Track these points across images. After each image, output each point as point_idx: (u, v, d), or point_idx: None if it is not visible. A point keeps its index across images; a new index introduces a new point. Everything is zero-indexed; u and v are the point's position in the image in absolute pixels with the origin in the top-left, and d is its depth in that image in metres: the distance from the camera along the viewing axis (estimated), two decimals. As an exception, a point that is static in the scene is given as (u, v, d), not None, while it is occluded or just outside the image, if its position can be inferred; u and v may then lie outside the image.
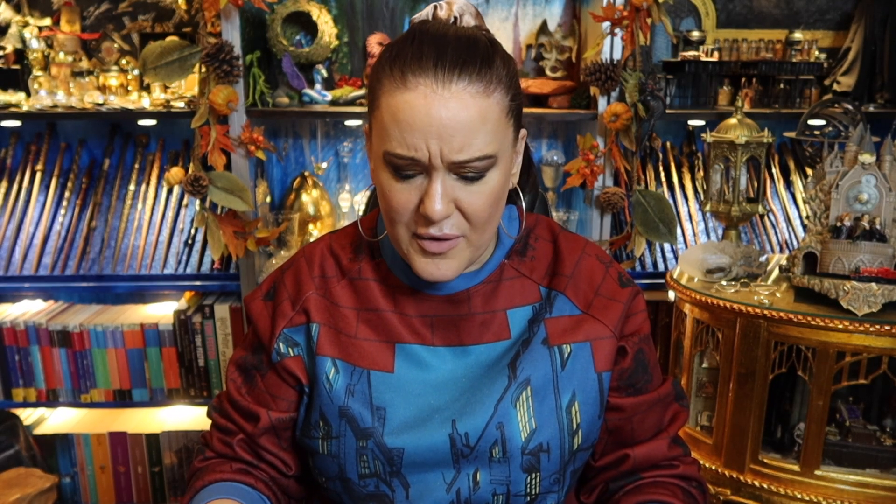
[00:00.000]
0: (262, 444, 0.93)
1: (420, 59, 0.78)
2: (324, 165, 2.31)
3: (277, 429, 0.93)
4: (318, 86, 2.16)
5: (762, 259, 1.81)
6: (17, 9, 2.25)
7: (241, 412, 0.93)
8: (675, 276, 1.83)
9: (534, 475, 0.87)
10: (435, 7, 0.86)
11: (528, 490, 0.88)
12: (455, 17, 0.85)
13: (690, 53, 2.23)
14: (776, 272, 1.84)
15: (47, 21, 2.24)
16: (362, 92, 2.16)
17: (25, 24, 2.22)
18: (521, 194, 0.97)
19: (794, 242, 2.24)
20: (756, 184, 2.11)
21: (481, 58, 0.79)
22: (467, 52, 0.79)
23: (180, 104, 2.10)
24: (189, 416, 2.33)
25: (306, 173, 2.27)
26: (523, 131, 0.89)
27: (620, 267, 0.98)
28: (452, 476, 0.87)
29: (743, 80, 2.28)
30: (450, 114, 0.77)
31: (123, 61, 2.24)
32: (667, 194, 2.27)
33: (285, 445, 0.94)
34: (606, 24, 1.96)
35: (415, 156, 0.78)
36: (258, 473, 0.94)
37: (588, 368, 0.90)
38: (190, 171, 1.94)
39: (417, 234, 0.83)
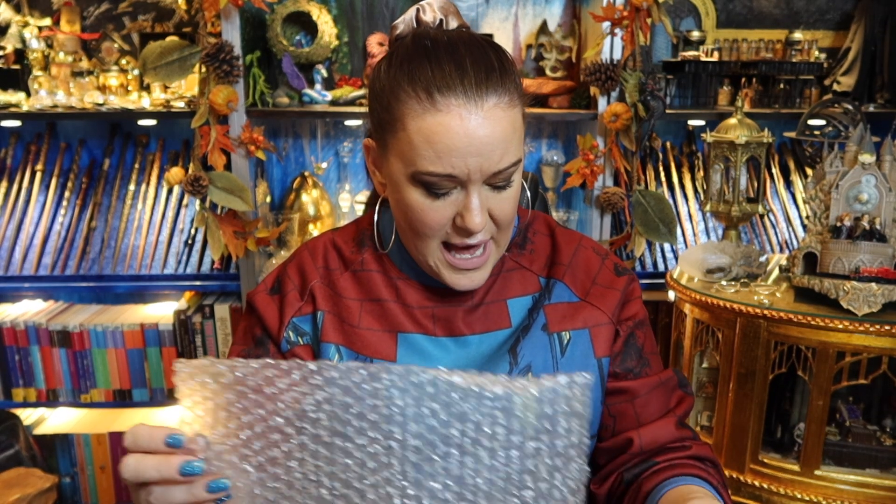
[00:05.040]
0: None
1: (444, 76, 0.78)
2: (324, 165, 2.31)
3: None
4: (318, 86, 2.16)
5: (762, 259, 1.81)
6: (17, 9, 2.25)
7: None
8: (675, 276, 1.83)
9: None
10: (418, 10, 0.86)
11: None
12: (441, 19, 0.86)
13: (690, 53, 2.23)
14: (776, 272, 1.84)
15: (47, 21, 2.25)
16: (362, 92, 2.16)
17: (25, 24, 2.22)
18: (526, 187, 0.99)
19: (794, 242, 2.24)
20: (756, 184, 2.11)
21: (498, 68, 0.81)
22: (486, 64, 0.80)
23: (180, 104, 2.10)
24: (189, 416, 2.33)
25: (306, 173, 2.27)
26: None
27: (616, 258, 0.99)
28: None
29: (743, 80, 2.28)
30: (487, 132, 0.78)
31: (123, 61, 2.24)
32: (667, 194, 2.27)
33: None
34: (606, 24, 1.96)
35: (452, 172, 0.79)
36: None
37: (588, 354, 0.92)
38: (190, 171, 1.94)
39: (449, 245, 0.85)
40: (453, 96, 0.78)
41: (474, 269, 0.87)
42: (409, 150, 0.80)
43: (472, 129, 0.78)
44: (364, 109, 2.09)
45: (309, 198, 2.23)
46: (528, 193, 1.07)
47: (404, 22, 0.87)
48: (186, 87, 2.20)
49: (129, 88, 2.22)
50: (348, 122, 2.28)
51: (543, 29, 2.21)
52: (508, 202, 0.84)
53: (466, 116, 0.78)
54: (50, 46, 2.20)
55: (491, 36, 2.22)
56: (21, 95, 2.13)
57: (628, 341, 0.95)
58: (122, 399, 2.20)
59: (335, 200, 2.29)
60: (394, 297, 0.93)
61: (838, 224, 1.58)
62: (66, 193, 2.23)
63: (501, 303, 0.93)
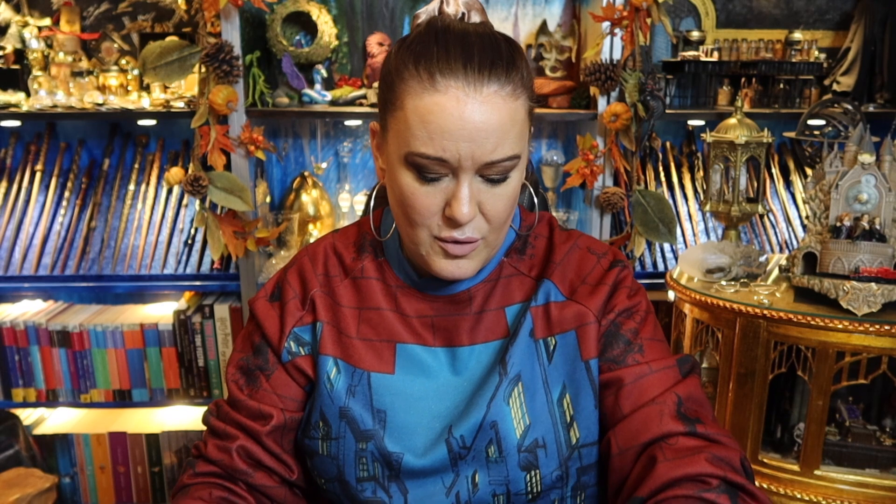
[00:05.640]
0: (265, 444, 0.90)
1: (448, 59, 0.77)
2: (323, 165, 2.31)
3: (287, 428, 0.91)
4: (317, 86, 2.16)
5: (762, 259, 1.81)
6: (17, 9, 2.25)
7: (250, 412, 0.91)
8: (674, 276, 1.83)
9: (533, 473, 0.85)
10: (442, 1, 0.85)
11: (529, 489, 0.85)
12: (463, 13, 0.85)
13: (690, 53, 2.23)
14: (776, 272, 1.84)
15: (47, 21, 2.25)
16: (362, 92, 2.16)
17: (25, 24, 2.22)
18: (530, 189, 0.97)
19: (794, 242, 2.24)
20: (756, 184, 2.11)
21: (506, 59, 0.79)
22: (493, 53, 0.79)
23: (180, 104, 2.10)
24: (189, 417, 2.33)
25: (306, 173, 2.27)
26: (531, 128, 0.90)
27: (619, 253, 0.94)
28: (451, 480, 0.86)
29: (743, 80, 2.28)
30: (482, 118, 0.77)
31: (123, 61, 2.24)
32: (667, 194, 2.27)
33: (288, 448, 0.93)
34: (606, 24, 1.96)
35: (443, 156, 0.77)
36: (239, 500, 0.89)
37: (575, 358, 0.87)
38: (190, 171, 1.94)
39: (438, 237, 0.83)
40: (453, 79, 0.77)
41: (462, 256, 0.84)
42: (404, 130, 0.79)
43: (467, 114, 0.76)
44: (364, 109, 2.10)
45: (309, 198, 2.23)
46: (535, 198, 1.02)
47: (427, 12, 0.86)
48: (186, 87, 2.20)
49: (129, 88, 2.22)
50: (348, 122, 2.28)
51: (543, 29, 2.21)
52: (502, 200, 0.82)
53: (463, 99, 0.76)
54: (50, 46, 2.20)
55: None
56: (21, 95, 2.13)
57: (610, 329, 0.88)
58: (121, 399, 2.20)
59: (335, 200, 2.29)
60: (392, 306, 0.91)
61: (838, 224, 1.58)
62: (66, 193, 2.23)
63: (500, 311, 0.91)
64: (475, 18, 0.86)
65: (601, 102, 2.03)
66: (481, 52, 0.78)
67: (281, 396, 0.91)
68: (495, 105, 0.77)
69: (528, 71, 0.83)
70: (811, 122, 2.16)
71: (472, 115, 0.76)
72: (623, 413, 0.84)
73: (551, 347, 0.88)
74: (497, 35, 0.83)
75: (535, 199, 1.02)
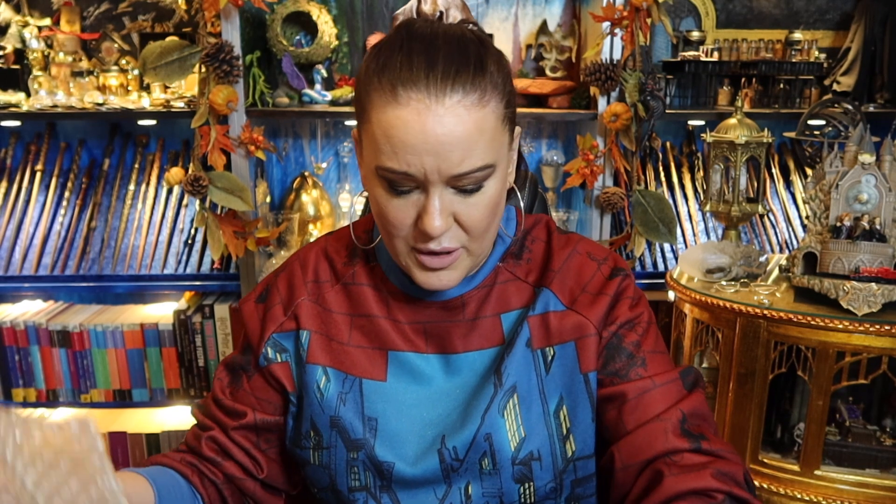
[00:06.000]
0: (234, 438, 0.91)
1: (410, 69, 0.74)
2: (324, 165, 2.31)
3: (260, 429, 0.91)
4: (317, 86, 2.16)
5: (762, 259, 1.81)
6: (17, 9, 2.25)
7: (226, 409, 0.92)
8: (675, 276, 1.83)
9: (527, 485, 0.83)
10: (419, 0, 0.84)
11: (523, 500, 0.84)
12: (441, 12, 0.83)
13: (690, 53, 2.23)
14: (776, 272, 1.84)
15: (47, 21, 2.25)
16: (362, 92, 2.16)
17: (25, 24, 2.22)
18: (518, 194, 0.94)
19: (794, 242, 2.24)
20: (756, 184, 2.11)
21: (474, 64, 0.75)
22: (459, 59, 0.75)
23: (180, 104, 2.10)
24: (189, 417, 2.32)
25: (306, 173, 2.27)
26: (518, 129, 0.87)
27: (618, 258, 0.92)
28: (444, 491, 0.85)
29: (743, 80, 2.28)
30: (445, 130, 0.73)
31: (123, 61, 2.24)
32: (667, 194, 2.27)
33: (264, 447, 0.92)
34: (606, 24, 1.96)
35: (408, 171, 0.75)
36: (206, 471, 0.90)
37: (574, 370, 0.85)
38: (190, 171, 1.94)
39: (415, 248, 0.81)
40: (415, 90, 0.73)
41: (442, 268, 0.82)
42: (372, 143, 0.77)
43: (429, 126, 0.73)
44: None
45: (309, 198, 2.23)
46: (522, 202, 0.99)
47: (404, 13, 0.84)
48: (186, 87, 2.20)
49: (129, 88, 2.22)
50: (348, 122, 2.28)
51: (543, 29, 2.21)
52: (478, 209, 0.79)
53: (424, 112, 0.73)
54: (50, 46, 2.20)
55: (491, 36, 2.22)
56: (21, 95, 2.13)
57: (611, 342, 0.86)
58: (121, 399, 2.20)
59: (335, 200, 2.29)
60: (385, 312, 0.90)
61: (838, 224, 1.59)
62: (66, 193, 2.23)
63: (495, 318, 0.88)
64: (455, 15, 0.83)
65: (601, 102, 2.03)
66: (446, 60, 0.75)
67: (259, 399, 0.91)
68: (459, 116, 0.73)
69: (503, 73, 0.79)
70: (811, 122, 2.16)
71: (433, 128, 0.73)
72: (627, 429, 0.83)
73: (549, 358, 0.86)
74: (468, 37, 0.79)
75: (523, 203, 0.97)
